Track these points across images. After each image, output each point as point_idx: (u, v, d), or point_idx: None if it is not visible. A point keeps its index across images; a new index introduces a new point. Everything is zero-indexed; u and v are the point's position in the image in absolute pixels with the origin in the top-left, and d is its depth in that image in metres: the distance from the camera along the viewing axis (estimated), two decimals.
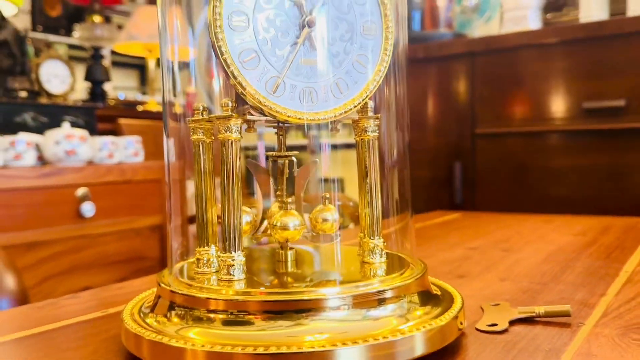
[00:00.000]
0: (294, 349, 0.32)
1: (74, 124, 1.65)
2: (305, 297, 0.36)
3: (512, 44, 1.45)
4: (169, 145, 0.44)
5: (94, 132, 1.72)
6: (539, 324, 0.44)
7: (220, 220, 0.39)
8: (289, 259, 0.45)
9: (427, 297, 0.41)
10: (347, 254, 0.46)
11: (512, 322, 0.44)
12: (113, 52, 2.76)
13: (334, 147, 0.45)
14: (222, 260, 0.39)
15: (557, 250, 0.74)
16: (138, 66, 3.87)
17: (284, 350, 0.32)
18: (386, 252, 0.45)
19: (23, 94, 1.65)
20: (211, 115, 0.40)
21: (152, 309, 0.39)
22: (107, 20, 2.40)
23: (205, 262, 0.41)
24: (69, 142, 1.47)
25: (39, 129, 1.61)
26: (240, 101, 0.40)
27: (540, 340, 0.40)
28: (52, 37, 2.92)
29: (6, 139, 1.42)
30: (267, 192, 0.46)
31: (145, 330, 0.36)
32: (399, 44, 0.44)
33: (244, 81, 0.38)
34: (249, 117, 0.40)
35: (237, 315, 0.35)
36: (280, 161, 0.45)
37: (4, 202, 1.34)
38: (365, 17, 0.41)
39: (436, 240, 0.86)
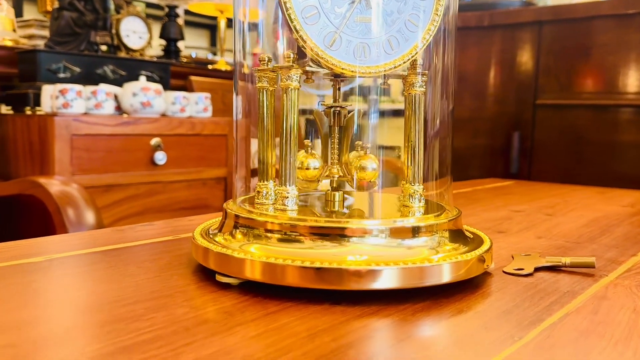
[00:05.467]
0: (335, 265, 0.38)
1: (149, 78, 1.76)
2: (348, 225, 0.41)
3: (583, 14, 1.41)
4: (238, 102, 0.49)
5: (167, 87, 1.82)
6: (563, 272, 0.47)
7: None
8: (337, 199, 0.50)
9: (458, 237, 0.46)
10: (388, 198, 0.51)
11: (539, 269, 0.48)
12: (187, 12, 2.85)
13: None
14: (278, 192, 0.45)
15: (600, 217, 0.76)
16: (209, 26, 3.98)
17: (326, 265, 0.38)
18: (426, 200, 0.49)
19: (104, 47, 1.76)
20: (275, 65, 0.46)
21: (220, 229, 0.46)
22: None
23: (264, 194, 0.47)
24: (144, 95, 1.58)
25: (117, 82, 1.72)
26: (301, 54, 0.45)
27: (561, 284, 0.44)
28: None
29: (88, 89, 1.54)
30: (325, 139, 0.51)
31: (213, 245, 0.43)
32: (449, 11, 0.47)
33: (305, 35, 0.43)
34: (307, 68, 0.45)
35: (289, 235, 0.41)
36: (335, 110, 0.50)
37: (86, 146, 1.46)
38: None
39: (483, 202, 0.89)
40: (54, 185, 1.24)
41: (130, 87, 1.59)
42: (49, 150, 1.42)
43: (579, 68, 1.43)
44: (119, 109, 1.62)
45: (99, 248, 0.51)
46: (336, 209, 0.50)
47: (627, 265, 0.51)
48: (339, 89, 0.50)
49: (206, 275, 0.43)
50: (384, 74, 0.45)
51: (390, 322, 0.35)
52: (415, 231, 0.43)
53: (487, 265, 0.45)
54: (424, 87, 0.47)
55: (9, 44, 1.79)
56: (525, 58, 1.51)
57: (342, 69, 0.44)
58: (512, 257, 0.52)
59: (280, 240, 0.42)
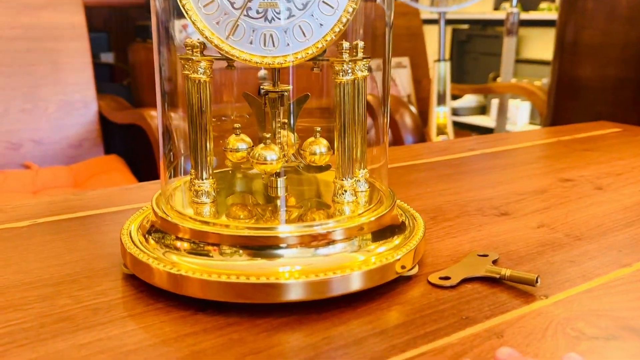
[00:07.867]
0: (242, 279, 0.37)
1: None
2: (258, 233, 0.40)
3: None
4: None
5: None
6: (499, 287, 0.42)
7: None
8: (279, 185, 0.49)
9: (384, 234, 0.43)
10: (327, 185, 0.48)
11: (471, 280, 0.43)
12: None
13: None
14: (193, 185, 0.45)
15: None
16: None
17: (233, 279, 0.37)
18: (369, 184, 0.46)
19: None
20: (180, 56, 0.45)
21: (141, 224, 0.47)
22: None
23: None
24: None
25: None
26: None
27: (475, 305, 0.39)
28: None
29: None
30: (262, 123, 0.50)
31: (130, 244, 0.43)
32: None
33: (203, 26, 0.41)
34: (214, 58, 0.43)
35: (198, 245, 0.41)
36: (274, 95, 0.48)
37: None
38: None
39: (540, 164, 0.79)
40: (156, 117, 1.36)
41: None
42: None
43: None
44: None
45: (74, 214, 0.57)
46: (278, 194, 0.49)
47: (593, 283, 0.43)
48: (278, 71, 0.47)
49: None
50: (295, 64, 0.42)
51: (257, 333, 0.35)
52: (331, 237, 0.41)
53: (402, 271, 0.41)
54: (350, 74, 0.43)
55: None
56: None
57: (245, 59, 0.41)
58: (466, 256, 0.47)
59: (189, 251, 0.41)
